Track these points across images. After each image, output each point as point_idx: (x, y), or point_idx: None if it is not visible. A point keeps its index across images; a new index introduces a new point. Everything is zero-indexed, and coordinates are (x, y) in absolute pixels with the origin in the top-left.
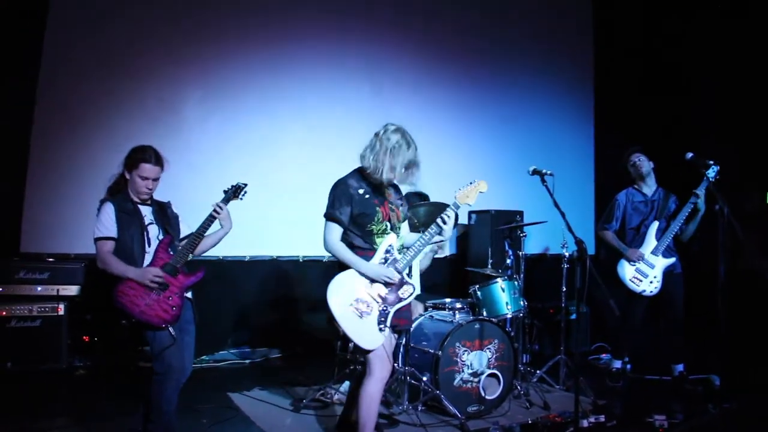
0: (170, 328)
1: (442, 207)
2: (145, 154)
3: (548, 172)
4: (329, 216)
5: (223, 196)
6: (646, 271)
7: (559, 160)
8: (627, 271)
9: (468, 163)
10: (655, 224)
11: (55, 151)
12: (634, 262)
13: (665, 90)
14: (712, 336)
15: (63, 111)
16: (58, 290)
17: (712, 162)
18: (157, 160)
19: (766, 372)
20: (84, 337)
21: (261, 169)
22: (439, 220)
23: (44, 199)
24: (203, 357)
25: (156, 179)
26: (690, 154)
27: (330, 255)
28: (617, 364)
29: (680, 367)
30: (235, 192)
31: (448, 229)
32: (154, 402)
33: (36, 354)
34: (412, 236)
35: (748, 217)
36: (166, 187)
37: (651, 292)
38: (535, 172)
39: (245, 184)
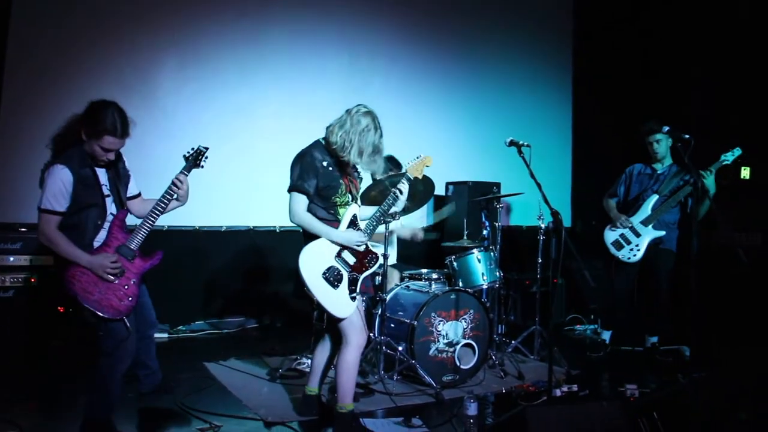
0: (125, 320)
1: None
2: (109, 124)
3: (525, 143)
4: (296, 188)
5: (184, 163)
6: (630, 238)
7: (537, 133)
8: (611, 234)
9: (445, 135)
10: (654, 197)
11: (24, 120)
12: (620, 227)
13: (645, 61)
14: (685, 308)
15: (33, 79)
16: (30, 260)
17: (688, 136)
18: (123, 131)
19: (735, 343)
20: (59, 308)
21: (237, 139)
22: (396, 191)
23: (14, 170)
24: (180, 327)
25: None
26: (666, 128)
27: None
28: (605, 335)
29: (653, 339)
30: (196, 158)
31: (403, 200)
32: (99, 383)
33: (9, 325)
34: (370, 209)
35: (723, 190)
36: (140, 156)
37: (629, 258)
38: (512, 143)
39: (206, 148)
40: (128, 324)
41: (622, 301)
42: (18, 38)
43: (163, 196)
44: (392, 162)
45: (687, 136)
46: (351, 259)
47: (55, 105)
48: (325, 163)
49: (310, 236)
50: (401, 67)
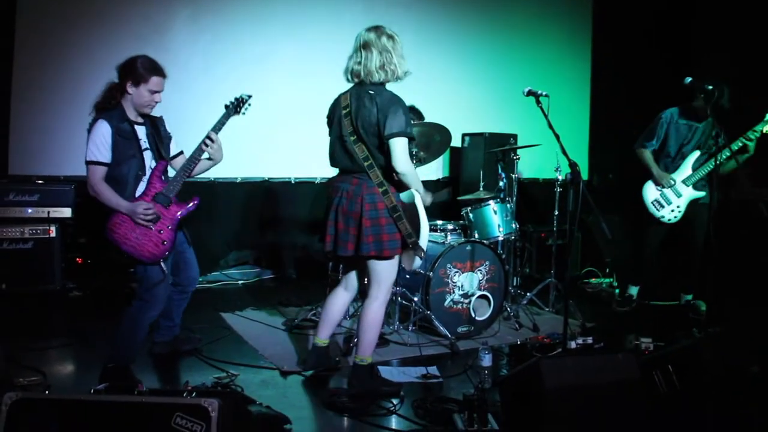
0: (162, 263)
1: (436, 127)
2: (156, 65)
3: (543, 93)
4: (408, 135)
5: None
6: (670, 198)
7: (555, 85)
8: (651, 193)
9: (462, 86)
10: (695, 153)
11: (38, 72)
12: (662, 187)
13: (666, 11)
14: (704, 263)
15: (45, 32)
16: (48, 212)
17: (711, 86)
18: (164, 70)
19: (751, 299)
20: (78, 259)
21: (252, 89)
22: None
23: (30, 122)
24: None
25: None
26: (689, 79)
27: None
28: (633, 290)
29: (688, 297)
30: (237, 106)
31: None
32: (127, 327)
33: (30, 276)
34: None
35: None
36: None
37: (669, 220)
38: (530, 93)
39: (249, 96)
40: (164, 268)
41: (651, 258)
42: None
43: (195, 151)
44: (414, 113)
45: (710, 87)
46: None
47: (68, 57)
48: None
49: (402, 186)
50: (417, 16)
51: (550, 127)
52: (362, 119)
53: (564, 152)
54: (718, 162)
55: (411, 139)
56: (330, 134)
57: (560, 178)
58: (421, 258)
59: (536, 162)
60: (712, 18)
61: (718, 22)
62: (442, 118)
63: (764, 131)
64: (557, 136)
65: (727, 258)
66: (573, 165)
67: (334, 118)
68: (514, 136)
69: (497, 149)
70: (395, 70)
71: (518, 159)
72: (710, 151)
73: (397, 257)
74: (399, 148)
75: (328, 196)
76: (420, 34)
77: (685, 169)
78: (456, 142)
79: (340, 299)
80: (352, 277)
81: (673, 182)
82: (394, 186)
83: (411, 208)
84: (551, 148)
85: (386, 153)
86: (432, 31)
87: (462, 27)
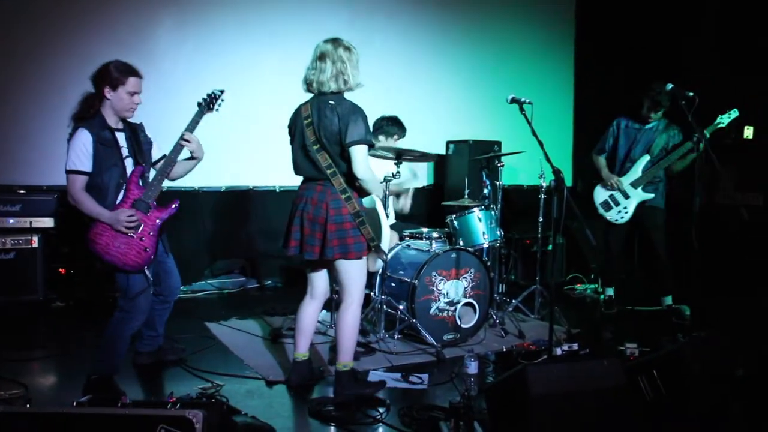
0: (146, 271)
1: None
2: (131, 66)
3: (527, 100)
4: (367, 142)
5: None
6: (618, 200)
7: (538, 92)
8: (600, 195)
9: (446, 93)
10: (645, 158)
11: (20, 81)
12: (609, 188)
13: (650, 18)
14: (686, 268)
15: (27, 38)
16: (31, 222)
17: (692, 94)
18: (139, 71)
19: (736, 303)
20: (60, 270)
21: (236, 97)
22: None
23: (11, 131)
24: (181, 287)
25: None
26: (670, 85)
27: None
28: (610, 291)
29: (668, 300)
30: (209, 103)
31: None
32: (109, 338)
33: (12, 286)
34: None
35: (726, 149)
36: (137, 115)
37: (616, 220)
38: (513, 100)
39: (222, 91)
40: (149, 275)
41: (616, 259)
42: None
43: (173, 149)
44: (397, 124)
45: (691, 94)
46: None
47: (51, 65)
48: None
49: (363, 192)
50: (401, 24)
51: (534, 134)
52: (324, 129)
53: (548, 159)
54: (697, 163)
55: (371, 146)
56: (292, 143)
57: (544, 184)
58: (383, 260)
59: (520, 169)
60: (695, 27)
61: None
62: (426, 125)
63: (716, 129)
64: (541, 144)
65: (710, 262)
66: (557, 172)
67: (295, 128)
68: (499, 144)
69: (482, 156)
70: (348, 80)
71: (502, 166)
72: (660, 155)
73: (364, 260)
74: (359, 155)
75: (293, 203)
76: (403, 42)
77: (635, 172)
78: (440, 149)
79: (309, 308)
80: (318, 285)
81: (620, 184)
82: (356, 192)
83: (372, 212)
84: (535, 155)
85: (347, 160)
86: (415, 39)
87: (446, 35)
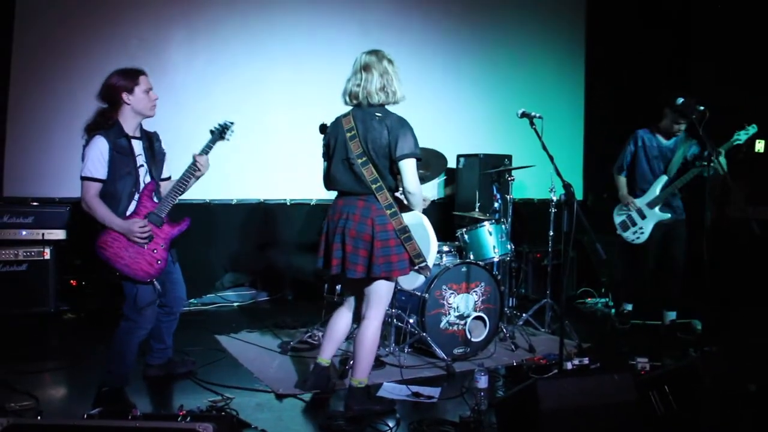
0: (155, 282)
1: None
2: (133, 67)
3: (537, 114)
4: (417, 156)
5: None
6: (636, 220)
7: (549, 105)
8: (619, 215)
9: (457, 106)
10: (663, 178)
11: (34, 94)
12: (627, 209)
13: (661, 33)
14: (697, 282)
15: (41, 53)
16: (43, 234)
17: (703, 108)
18: (144, 70)
19: (747, 317)
20: (72, 281)
21: (248, 111)
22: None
23: (25, 144)
24: (191, 300)
25: None
26: (681, 99)
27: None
28: (628, 306)
29: (672, 315)
30: (221, 132)
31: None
32: (117, 349)
33: (24, 298)
34: None
35: (738, 163)
36: (150, 127)
37: (633, 240)
38: (524, 115)
39: (232, 123)
40: (157, 286)
41: (642, 277)
42: (25, 11)
43: (186, 172)
44: None
45: (702, 108)
46: None
47: (64, 79)
48: None
49: (405, 207)
50: (411, 39)
51: (544, 148)
52: (372, 142)
53: (558, 173)
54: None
55: (419, 160)
56: (330, 157)
57: (555, 198)
58: (426, 277)
59: (531, 183)
60: (707, 37)
61: (715, 42)
62: (437, 139)
63: (732, 146)
64: (551, 158)
65: (721, 275)
66: (567, 186)
67: (336, 141)
68: (509, 157)
69: (492, 170)
70: (395, 92)
71: (513, 180)
72: (680, 174)
73: (394, 279)
74: (410, 169)
75: (329, 219)
76: (415, 57)
77: (653, 192)
78: (451, 163)
79: (344, 318)
80: (352, 298)
81: (636, 206)
82: (400, 207)
83: (418, 228)
84: (546, 168)
85: (394, 174)
86: (427, 54)
87: (456, 49)
